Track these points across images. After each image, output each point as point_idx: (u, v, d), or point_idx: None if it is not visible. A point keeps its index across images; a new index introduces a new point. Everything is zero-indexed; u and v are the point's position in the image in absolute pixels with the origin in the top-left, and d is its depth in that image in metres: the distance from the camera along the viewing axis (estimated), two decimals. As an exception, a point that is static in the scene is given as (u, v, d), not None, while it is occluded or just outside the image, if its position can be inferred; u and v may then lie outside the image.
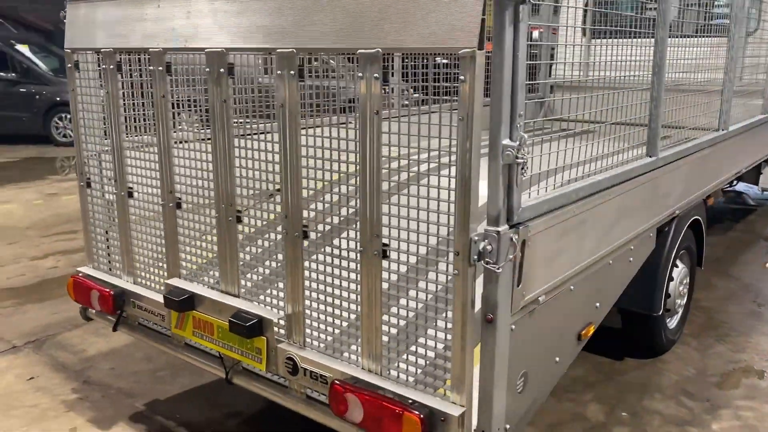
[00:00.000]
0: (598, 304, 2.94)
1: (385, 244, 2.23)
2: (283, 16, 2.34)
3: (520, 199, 2.10)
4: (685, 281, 4.17)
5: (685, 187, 3.65)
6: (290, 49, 2.31)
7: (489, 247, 2.03)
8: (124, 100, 3.07)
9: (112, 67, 3.04)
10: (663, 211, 3.43)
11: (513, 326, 2.29)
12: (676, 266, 4.07)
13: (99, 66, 3.13)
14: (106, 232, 3.36)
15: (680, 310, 4.26)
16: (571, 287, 2.66)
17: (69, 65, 3.27)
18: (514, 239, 2.08)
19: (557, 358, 2.67)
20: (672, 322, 4.19)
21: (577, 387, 3.77)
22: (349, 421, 2.30)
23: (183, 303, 2.86)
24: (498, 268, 2.03)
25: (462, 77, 1.93)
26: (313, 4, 2.24)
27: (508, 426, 2.38)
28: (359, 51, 2.13)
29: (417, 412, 2.11)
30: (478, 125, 1.96)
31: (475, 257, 2.02)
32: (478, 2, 1.89)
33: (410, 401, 2.17)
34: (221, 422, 3.47)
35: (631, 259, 3.22)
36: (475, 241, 2.01)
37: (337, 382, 2.34)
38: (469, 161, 1.97)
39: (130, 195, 3.16)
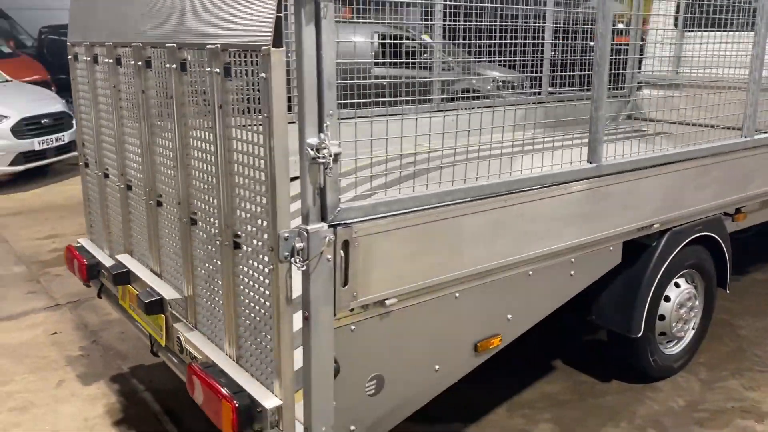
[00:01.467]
0: (510, 316, 2.78)
1: (237, 236, 2.31)
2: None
3: (337, 198, 2.08)
4: (691, 304, 3.75)
5: (668, 199, 3.29)
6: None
7: (300, 245, 2.03)
8: (101, 90, 3.39)
9: (89, 59, 3.36)
10: (628, 223, 3.13)
11: (353, 327, 2.27)
12: (677, 286, 3.68)
13: (84, 58, 3.48)
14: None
15: (686, 336, 3.84)
16: (456, 294, 2.55)
17: (69, 56, 3.66)
18: (329, 238, 2.07)
19: (437, 367, 2.58)
20: (671, 348, 3.79)
21: (541, 404, 3.56)
22: (197, 402, 2.41)
23: (118, 277, 3.13)
24: (303, 266, 2.03)
25: (262, 75, 1.96)
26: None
27: (353, 427, 2.37)
28: (208, 46, 2.22)
29: (234, 401, 2.18)
30: (282, 123, 1.97)
31: (286, 254, 2.04)
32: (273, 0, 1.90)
33: (237, 390, 2.24)
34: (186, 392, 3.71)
35: (573, 272, 2.99)
36: (285, 238, 2.02)
37: (192, 364, 2.46)
38: (272, 159, 1.99)
39: (106, 176, 3.48)
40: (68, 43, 3.61)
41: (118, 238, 3.41)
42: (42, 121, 8.75)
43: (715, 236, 3.76)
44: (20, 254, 6.06)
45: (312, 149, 1.96)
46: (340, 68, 3.27)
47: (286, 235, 2.02)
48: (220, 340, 2.54)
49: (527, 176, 2.63)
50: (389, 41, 6.35)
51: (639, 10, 6.73)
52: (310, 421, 2.19)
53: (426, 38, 11.25)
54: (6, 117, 8.45)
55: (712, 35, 6.12)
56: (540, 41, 5.65)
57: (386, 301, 2.31)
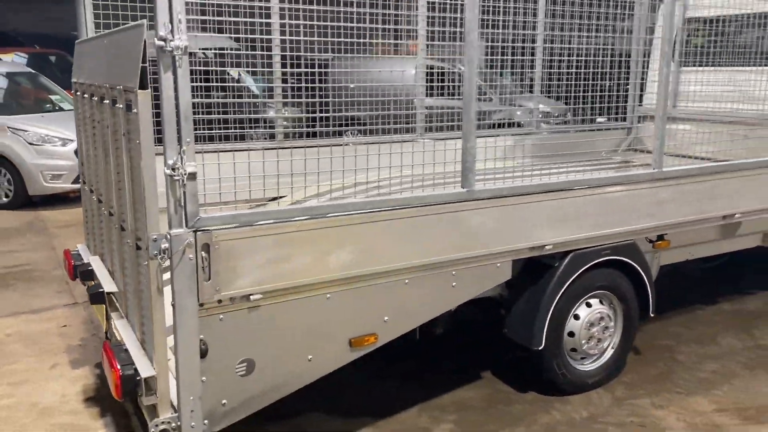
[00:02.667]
0: (387, 318, 3.19)
1: (138, 239, 2.87)
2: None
3: (197, 208, 2.60)
4: (604, 324, 3.99)
5: (559, 223, 3.59)
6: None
7: (165, 246, 2.57)
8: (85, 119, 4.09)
9: (78, 94, 4.08)
10: (513, 243, 3.47)
11: (221, 317, 2.77)
12: (588, 305, 3.95)
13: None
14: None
15: (603, 354, 4.08)
16: (328, 295, 3.00)
17: (75, 93, 4.41)
18: (189, 241, 2.59)
19: (310, 357, 3.03)
20: (586, 365, 4.04)
21: (452, 407, 3.90)
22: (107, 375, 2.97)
23: (84, 274, 3.78)
24: (165, 262, 2.56)
25: (134, 110, 2.53)
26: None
27: (225, 401, 2.85)
28: (105, 85, 2.83)
29: (120, 371, 2.73)
30: (148, 147, 2.53)
31: (155, 252, 2.58)
32: (138, 53, 2.47)
33: (126, 363, 2.79)
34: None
35: (455, 284, 3.36)
36: (153, 240, 2.57)
37: (106, 343, 3.03)
38: (141, 177, 2.55)
39: (91, 191, 4.17)
40: (72, 81, 4.35)
41: (94, 242, 4.08)
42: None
43: (630, 261, 4.00)
44: (61, 260, 6.93)
45: (169, 168, 2.50)
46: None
47: (155, 237, 2.56)
48: (134, 326, 3.10)
49: (394, 197, 3.07)
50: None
51: (639, 44, 6.95)
52: (178, 390, 2.70)
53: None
54: (71, 140, 9.56)
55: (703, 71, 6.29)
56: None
57: (251, 297, 2.79)
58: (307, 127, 5.61)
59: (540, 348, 3.74)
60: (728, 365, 4.37)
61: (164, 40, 2.40)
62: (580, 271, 3.80)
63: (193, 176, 2.54)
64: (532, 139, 6.54)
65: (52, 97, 11.17)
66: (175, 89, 2.48)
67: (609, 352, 4.12)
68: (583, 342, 3.94)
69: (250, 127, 5.22)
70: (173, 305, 2.64)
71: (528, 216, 3.49)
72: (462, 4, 3.20)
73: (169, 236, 2.56)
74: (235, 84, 6.83)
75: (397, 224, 3.09)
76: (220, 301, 2.75)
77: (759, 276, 6.05)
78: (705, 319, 5.14)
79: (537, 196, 3.48)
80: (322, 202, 2.95)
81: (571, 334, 3.92)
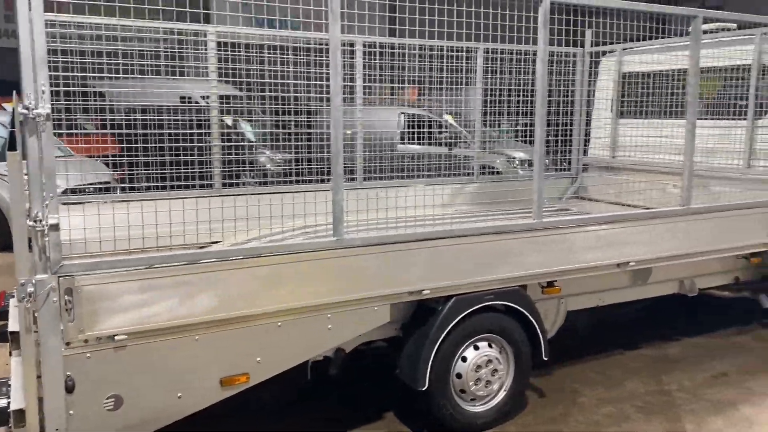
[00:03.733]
0: (259, 359, 3.42)
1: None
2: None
3: (59, 256, 2.88)
4: (492, 366, 4.17)
5: (439, 269, 3.82)
6: None
7: (30, 290, 2.85)
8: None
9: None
10: (390, 288, 3.70)
11: (89, 355, 3.03)
12: (476, 348, 4.14)
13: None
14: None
15: (493, 396, 4.25)
16: (196, 338, 3.25)
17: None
18: (52, 285, 2.87)
19: (179, 394, 3.26)
20: (477, 406, 4.20)
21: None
22: None
23: (1, 314, 4.07)
24: (28, 305, 2.84)
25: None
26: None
27: (92, 434, 3.09)
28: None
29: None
30: (18, 202, 2.83)
31: (23, 296, 2.86)
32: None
33: (3, 396, 3.05)
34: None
35: (331, 326, 3.59)
36: (22, 284, 2.85)
37: (-6, 376, 3.29)
38: (12, 228, 2.85)
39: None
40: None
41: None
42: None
43: (517, 306, 4.20)
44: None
45: (32, 220, 2.80)
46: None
47: (22, 281, 2.85)
48: (23, 362, 3.37)
49: (251, 246, 3.34)
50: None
51: (582, 96, 7.24)
52: (44, 422, 2.94)
53: (449, 119, 12.08)
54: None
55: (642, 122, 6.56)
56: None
57: (115, 337, 3.05)
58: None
59: (423, 389, 3.93)
60: (624, 409, 4.51)
61: (28, 108, 2.73)
62: (463, 315, 4.01)
63: (55, 227, 2.83)
64: (472, 187, 6.79)
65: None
66: (40, 151, 2.80)
67: (501, 394, 4.28)
68: (471, 384, 4.12)
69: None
70: (37, 343, 2.90)
71: (404, 262, 3.73)
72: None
73: (33, 281, 2.84)
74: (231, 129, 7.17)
75: (263, 271, 3.34)
76: (86, 341, 3.01)
77: (694, 319, 6.18)
78: (621, 363, 5.28)
79: (411, 244, 3.73)
80: (184, 252, 3.22)
81: (459, 375, 4.10)
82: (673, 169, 6.22)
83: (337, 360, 4.01)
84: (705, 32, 6.05)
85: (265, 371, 3.48)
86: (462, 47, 6.27)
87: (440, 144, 10.52)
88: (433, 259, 3.82)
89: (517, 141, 10.56)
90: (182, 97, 7.64)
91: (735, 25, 5.82)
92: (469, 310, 4.03)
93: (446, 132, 11.35)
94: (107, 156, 5.19)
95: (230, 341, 3.34)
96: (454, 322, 3.98)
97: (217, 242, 4.53)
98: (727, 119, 5.86)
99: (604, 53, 7.19)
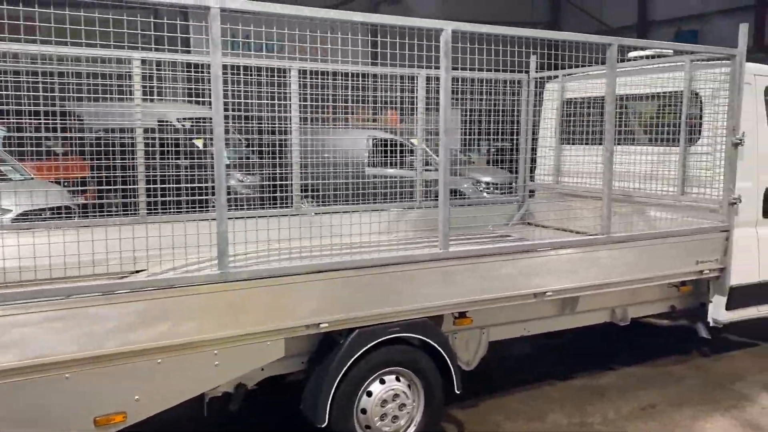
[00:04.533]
0: (137, 397, 3.30)
1: None
2: None
3: None
4: (399, 401, 4.05)
5: (335, 302, 3.72)
6: None
7: None
8: None
9: None
10: (282, 321, 3.59)
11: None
12: (382, 382, 4.03)
13: None
14: None
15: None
16: (66, 375, 3.13)
17: None
18: None
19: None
20: (386, 442, 4.08)
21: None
22: None
23: None
24: None
25: None
26: None
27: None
28: None
29: None
30: None
31: None
32: None
33: None
34: None
35: (218, 363, 3.47)
36: None
37: None
38: None
39: None
40: None
41: None
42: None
43: (425, 339, 4.10)
44: None
45: None
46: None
47: None
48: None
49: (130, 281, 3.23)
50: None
51: (527, 121, 7.20)
52: None
53: (416, 142, 12.03)
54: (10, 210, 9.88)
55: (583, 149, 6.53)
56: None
57: (-13, 375, 2.94)
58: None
59: (323, 425, 3.81)
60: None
61: None
62: (367, 347, 3.90)
63: None
64: (416, 213, 6.69)
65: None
66: None
67: (411, 430, 4.16)
68: (377, 419, 4.00)
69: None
70: None
71: (297, 295, 3.62)
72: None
73: None
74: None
75: (140, 306, 3.23)
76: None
77: (633, 346, 6.08)
78: (548, 394, 5.16)
79: (304, 276, 3.63)
80: (51, 286, 3.12)
81: (364, 411, 3.98)
82: (615, 195, 6.17)
83: (237, 396, 3.89)
84: (639, 58, 6.06)
85: (145, 410, 3.35)
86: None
87: (409, 168, 10.54)
88: (331, 291, 3.72)
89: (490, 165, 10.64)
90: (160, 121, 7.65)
91: (671, 51, 5.80)
92: (373, 343, 3.92)
93: (414, 156, 11.37)
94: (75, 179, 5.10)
95: (104, 379, 3.22)
96: (356, 356, 3.87)
97: (140, 271, 4.41)
98: (662, 145, 5.82)
99: (549, 79, 7.17)
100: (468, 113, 7.06)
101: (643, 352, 5.96)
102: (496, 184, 12.69)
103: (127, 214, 4.94)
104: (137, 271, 4.42)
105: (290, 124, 5.90)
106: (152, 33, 3.76)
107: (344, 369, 3.85)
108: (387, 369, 4.05)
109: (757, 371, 5.60)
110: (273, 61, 5.45)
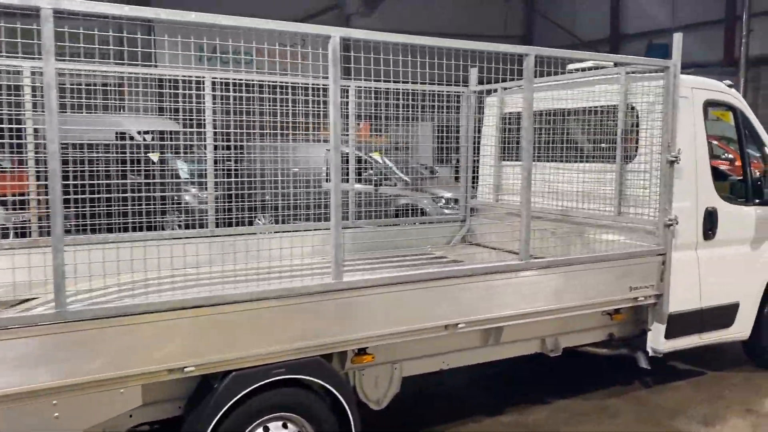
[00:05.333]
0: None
1: None
2: None
3: None
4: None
5: (196, 342, 3.29)
6: None
7: None
8: None
9: None
10: (138, 366, 3.16)
11: None
12: (266, 430, 3.60)
13: None
14: None
15: (295, 482, 3.70)
16: None
17: None
18: None
19: None
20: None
21: None
22: None
23: None
24: None
25: None
26: None
27: None
28: None
29: None
30: None
31: None
32: None
33: None
34: None
35: (58, 414, 3.03)
36: None
37: None
38: None
39: None
40: None
41: None
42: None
43: (317, 380, 3.68)
44: None
45: None
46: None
47: None
48: None
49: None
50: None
51: (468, 137, 6.83)
52: None
53: (376, 156, 11.68)
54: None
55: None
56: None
57: None
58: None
59: (200, 477, 3.37)
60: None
61: None
62: (246, 391, 3.47)
63: None
64: (349, 234, 6.27)
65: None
66: None
67: (304, 480, 3.73)
68: (270, 470, 3.58)
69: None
70: None
71: (156, 335, 3.19)
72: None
73: None
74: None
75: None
76: None
77: (569, 378, 5.68)
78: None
79: (164, 314, 3.20)
80: None
81: (247, 461, 3.55)
82: (549, 214, 5.82)
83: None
84: (579, 71, 5.72)
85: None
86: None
87: (368, 182, 10.19)
88: (200, 329, 3.30)
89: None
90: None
91: (611, 63, 5.46)
92: (253, 386, 3.49)
93: (373, 170, 11.00)
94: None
95: None
96: (233, 401, 3.45)
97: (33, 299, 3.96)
98: (600, 162, 5.46)
99: (489, 92, 6.82)
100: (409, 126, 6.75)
101: (580, 384, 5.56)
102: (457, 199, 12.35)
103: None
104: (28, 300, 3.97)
105: (206, 137, 5.52)
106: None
107: (218, 416, 3.42)
108: (272, 415, 3.62)
109: (699, 404, 5.22)
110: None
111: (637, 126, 5.17)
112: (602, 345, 5.37)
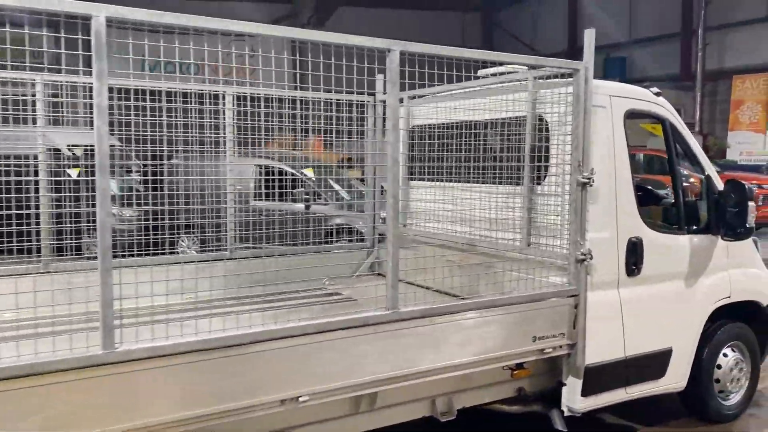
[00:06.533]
0: None
1: None
2: None
3: None
4: None
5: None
6: None
7: None
8: None
9: None
10: None
11: None
12: None
13: None
14: None
15: None
16: None
17: None
18: None
19: None
20: None
21: None
22: None
23: None
24: None
25: None
26: None
27: None
28: None
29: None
30: None
31: None
32: None
33: None
34: None
35: None
36: None
37: None
38: None
39: None
40: None
41: None
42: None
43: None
44: None
45: None
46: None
47: None
48: None
49: None
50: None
51: (375, 152, 5.97)
52: None
53: (308, 173, 10.76)
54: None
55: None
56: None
57: None
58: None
59: None
60: None
61: None
62: None
63: None
64: (222, 266, 5.31)
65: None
66: None
67: None
68: None
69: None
70: None
71: None
72: None
73: None
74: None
75: None
76: None
77: None
78: None
79: None
80: None
81: None
82: (455, 242, 4.97)
83: None
84: (492, 75, 4.87)
85: None
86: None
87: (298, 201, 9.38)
88: None
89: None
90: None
91: (525, 67, 4.60)
92: None
93: (304, 188, 10.12)
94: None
95: None
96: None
97: None
98: (508, 184, 4.61)
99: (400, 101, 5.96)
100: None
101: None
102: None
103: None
104: None
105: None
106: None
107: None
108: None
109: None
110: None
111: (547, 141, 4.34)
112: (512, 401, 4.50)
